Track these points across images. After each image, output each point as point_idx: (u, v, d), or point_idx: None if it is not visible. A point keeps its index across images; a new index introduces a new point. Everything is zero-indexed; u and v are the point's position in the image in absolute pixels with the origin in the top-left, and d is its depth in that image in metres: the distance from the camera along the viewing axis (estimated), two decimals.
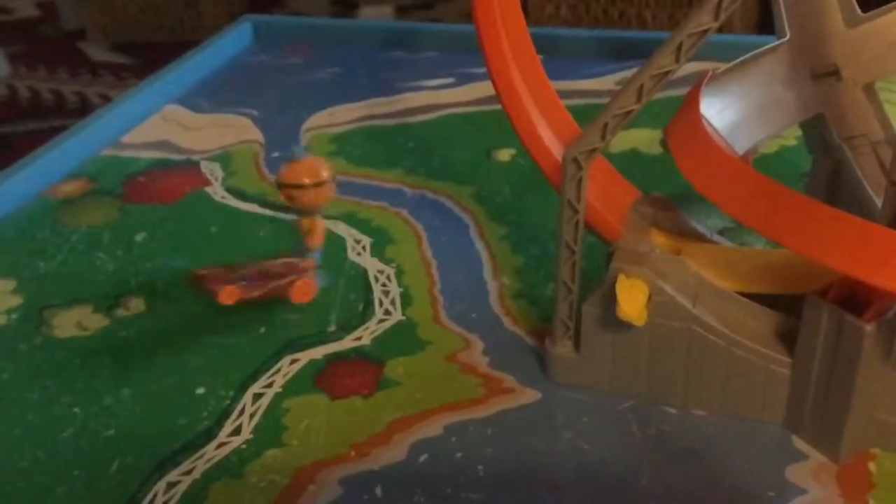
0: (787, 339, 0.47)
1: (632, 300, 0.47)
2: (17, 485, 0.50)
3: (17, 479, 0.50)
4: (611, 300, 0.49)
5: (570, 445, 0.50)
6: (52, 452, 0.52)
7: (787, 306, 0.48)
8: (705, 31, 0.43)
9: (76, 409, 0.55)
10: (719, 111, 0.56)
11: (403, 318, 0.61)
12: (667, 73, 0.44)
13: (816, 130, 0.63)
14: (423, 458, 0.50)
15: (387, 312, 0.62)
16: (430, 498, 0.47)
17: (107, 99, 2.53)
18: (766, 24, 1.89)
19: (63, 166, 0.83)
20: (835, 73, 0.62)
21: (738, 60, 0.59)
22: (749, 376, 0.48)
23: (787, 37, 0.61)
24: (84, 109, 2.49)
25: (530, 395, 0.54)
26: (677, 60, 0.44)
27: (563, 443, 0.50)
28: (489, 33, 0.55)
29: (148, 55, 2.80)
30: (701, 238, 0.53)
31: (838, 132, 0.61)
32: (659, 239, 0.53)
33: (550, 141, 0.55)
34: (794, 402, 0.48)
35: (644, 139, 0.83)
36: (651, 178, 0.69)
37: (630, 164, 0.79)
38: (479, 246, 0.68)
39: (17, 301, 0.65)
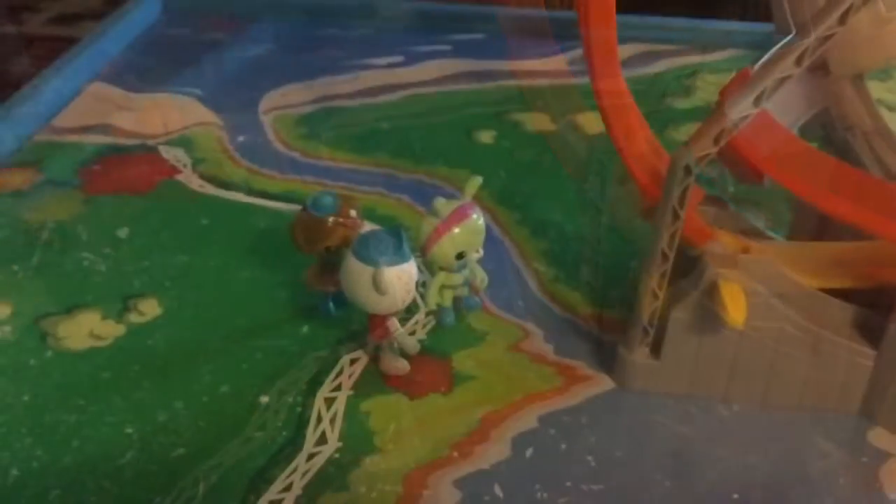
0: (868, 331, 0.50)
1: (737, 305, 0.48)
2: None
3: None
4: (703, 305, 0.50)
5: (665, 429, 0.51)
6: (118, 481, 0.46)
7: (858, 298, 0.51)
8: (830, 37, 0.44)
9: (129, 430, 0.49)
10: None
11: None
12: (787, 77, 0.45)
13: (815, 122, 0.67)
14: (529, 452, 0.49)
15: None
16: (552, 493, 0.47)
17: None
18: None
19: None
20: (823, 68, 0.67)
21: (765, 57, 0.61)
22: (832, 370, 0.51)
23: (794, 33, 0.64)
24: None
25: (608, 381, 0.54)
26: (799, 65, 0.45)
27: (659, 427, 0.51)
28: (600, 29, 0.52)
29: None
30: (760, 235, 0.55)
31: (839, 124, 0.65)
32: (726, 239, 0.54)
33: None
34: (874, 392, 0.51)
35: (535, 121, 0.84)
36: None
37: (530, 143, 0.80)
38: (497, 232, 0.68)
39: (4, 311, 0.57)
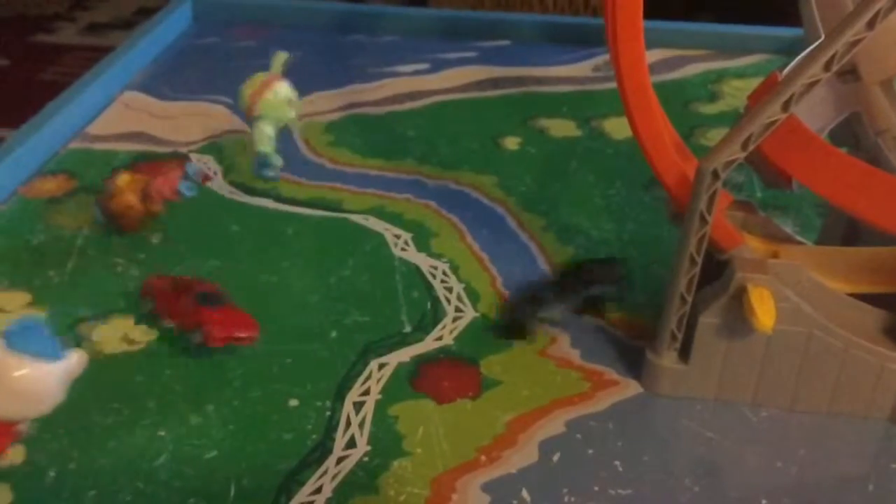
0: None
1: (766, 310, 0.48)
2: None
3: None
4: (732, 310, 0.50)
5: (693, 434, 0.51)
6: (153, 481, 0.47)
7: (888, 303, 0.51)
8: (859, 41, 0.44)
9: (162, 432, 0.50)
10: None
11: (477, 314, 0.60)
12: (816, 82, 0.45)
13: (846, 127, 0.67)
14: (556, 457, 0.49)
15: (458, 310, 0.60)
16: (579, 497, 0.47)
17: None
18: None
19: (32, 162, 0.74)
20: (853, 72, 0.67)
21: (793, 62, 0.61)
22: (862, 375, 0.51)
23: (822, 38, 0.64)
24: None
25: (635, 387, 0.54)
26: (827, 70, 0.45)
27: (686, 432, 0.51)
28: (628, 35, 0.52)
29: None
30: (790, 240, 0.55)
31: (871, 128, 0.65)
32: (754, 243, 0.54)
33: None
34: None
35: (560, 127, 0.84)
36: None
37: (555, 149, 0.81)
38: (524, 238, 0.68)
39: (40, 315, 0.58)
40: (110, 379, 0.53)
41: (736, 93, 0.89)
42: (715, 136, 0.81)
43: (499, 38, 1.02)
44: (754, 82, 0.80)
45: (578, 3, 1.77)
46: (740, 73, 0.93)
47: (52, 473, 0.47)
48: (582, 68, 0.96)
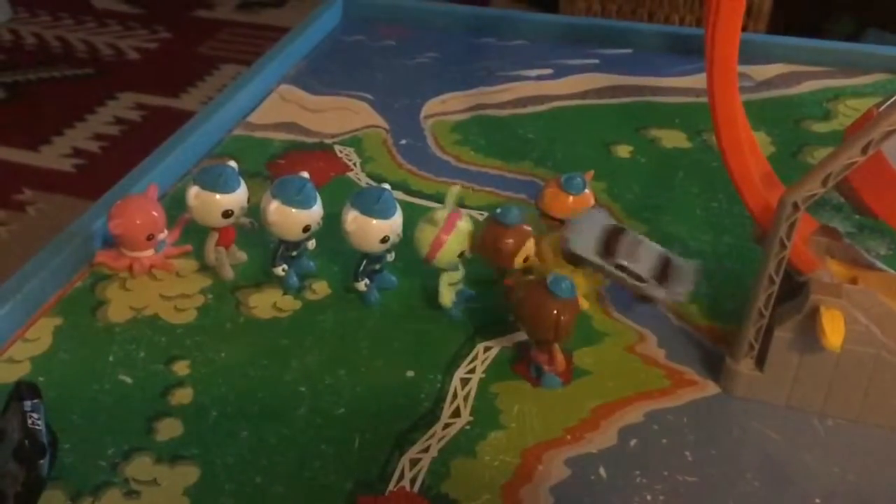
0: None
1: (836, 330, 0.53)
2: (274, 459, 0.55)
3: (271, 453, 0.55)
4: (805, 327, 0.55)
5: (761, 435, 0.57)
6: (293, 429, 0.57)
7: None
8: None
9: (302, 388, 0.60)
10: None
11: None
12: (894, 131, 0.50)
13: None
14: (633, 442, 0.56)
15: None
16: (650, 479, 0.54)
17: (117, 49, 2.50)
18: (777, 25, 1.97)
19: (202, 147, 0.86)
20: None
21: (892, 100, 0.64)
22: None
23: None
24: (96, 60, 2.46)
25: (712, 388, 0.60)
26: None
27: (754, 432, 0.57)
28: (722, 74, 0.58)
29: (151, 5, 2.77)
30: (871, 266, 0.59)
31: None
32: (835, 268, 0.59)
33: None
34: None
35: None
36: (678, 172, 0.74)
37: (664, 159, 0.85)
38: None
39: (207, 282, 0.70)
40: (261, 339, 0.64)
41: (851, 112, 0.92)
42: (822, 155, 0.84)
43: (622, 46, 1.07)
44: (870, 102, 0.83)
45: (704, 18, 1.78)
46: (858, 92, 0.96)
47: (213, 413, 0.58)
48: (698, 80, 1.00)
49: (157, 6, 2.78)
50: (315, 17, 1.11)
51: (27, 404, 0.53)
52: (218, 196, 0.66)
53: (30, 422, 0.52)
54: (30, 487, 0.51)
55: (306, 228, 0.66)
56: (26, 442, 0.51)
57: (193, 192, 0.66)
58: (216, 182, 0.66)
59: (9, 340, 0.64)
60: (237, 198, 0.67)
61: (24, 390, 0.55)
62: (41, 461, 0.52)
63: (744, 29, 0.60)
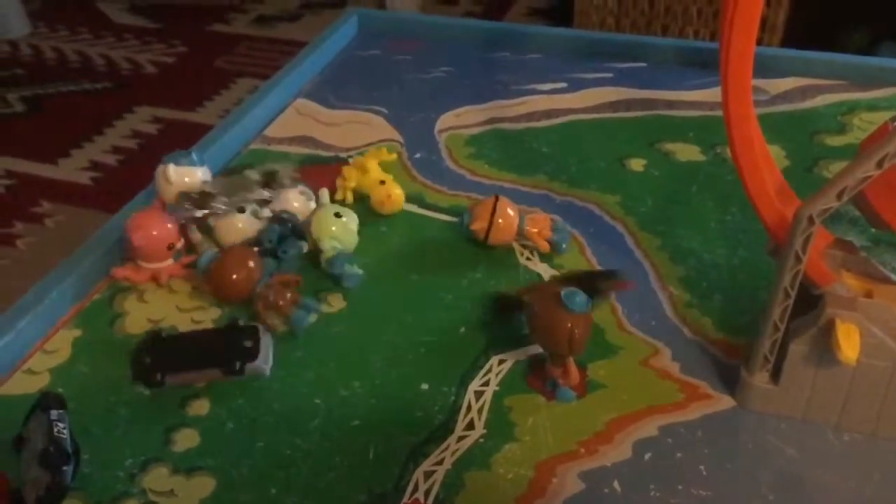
0: None
1: (851, 344, 0.53)
2: (290, 470, 0.56)
3: (286, 465, 0.56)
4: (820, 340, 0.55)
5: (776, 449, 0.57)
6: (307, 440, 0.57)
7: None
8: None
9: (317, 400, 0.60)
10: None
11: None
12: None
13: None
14: (647, 456, 0.56)
15: None
16: (665, 493, 0.54)
17: (134, 63, 2.53)
18: (792, 38, 1.97)
19: (221, 159, 0.87)
20: None
21: None
22: None
23: None
24: (114, 74, 2.49)
25: (727, 402, 0.60)
26: None
27: (770, 446, 0.57)
28: (737, 93, 0.58)
29: (168, 19, 2.80)
30: (886, 280, 0.59)
31: None
32: (850, 281, 0.59)
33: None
34: None
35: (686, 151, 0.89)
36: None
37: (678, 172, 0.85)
38: (639, 255, 0.75)
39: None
40: (278, 351, 0.65)
41: (865, 125, 0.92)
42: (837, 169, 0.85)
43: (636, 59, 1.07)
44: (885, 115, 0.83)
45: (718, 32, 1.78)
46: (872, 106, 0.95)
47: (230, 425, 0.59)
48: (712, 93, 1.00)
49: (175, 21, 2.81)
50: (331, 31, 1.12)
51: (53, 413, 0.54)
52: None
53: (55, 430, 0.53)
54: (52, 493, 0.52)
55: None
56: (51, 448, 0.52)
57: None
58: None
59: (29, 352, 0.65)
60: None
61: (50, 400, 0.56)
62: (65, 468, 0.53)
63: (758, 42, 0.60)
